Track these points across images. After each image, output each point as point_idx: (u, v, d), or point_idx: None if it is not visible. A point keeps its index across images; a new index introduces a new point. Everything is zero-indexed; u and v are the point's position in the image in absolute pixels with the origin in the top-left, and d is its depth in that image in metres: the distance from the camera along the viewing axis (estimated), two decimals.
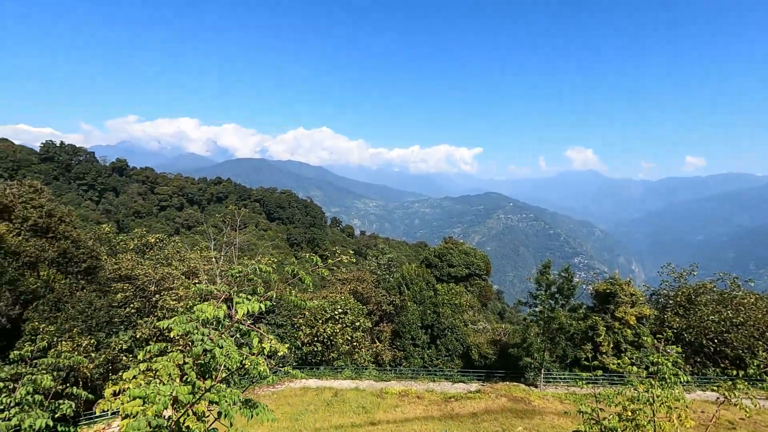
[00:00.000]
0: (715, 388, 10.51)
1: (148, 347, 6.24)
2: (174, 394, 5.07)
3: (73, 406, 7.10)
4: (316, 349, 38.52)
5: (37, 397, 6.61)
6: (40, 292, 29.91)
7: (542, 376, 35.38)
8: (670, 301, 40.89)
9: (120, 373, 28.08)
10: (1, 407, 6.20)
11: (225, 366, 5.51)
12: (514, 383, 35.74)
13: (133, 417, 4.90)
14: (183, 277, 38.56)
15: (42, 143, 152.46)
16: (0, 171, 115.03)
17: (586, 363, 35.66)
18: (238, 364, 5.54)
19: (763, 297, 39.87)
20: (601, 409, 9.07)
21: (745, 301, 38.30)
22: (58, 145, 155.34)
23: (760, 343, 35.47)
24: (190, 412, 5.33)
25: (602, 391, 9.49)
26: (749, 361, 23.39)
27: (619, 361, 10.84)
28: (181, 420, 5.28)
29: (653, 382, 9.04)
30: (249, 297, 6.03)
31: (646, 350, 34.69)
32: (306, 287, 6.90)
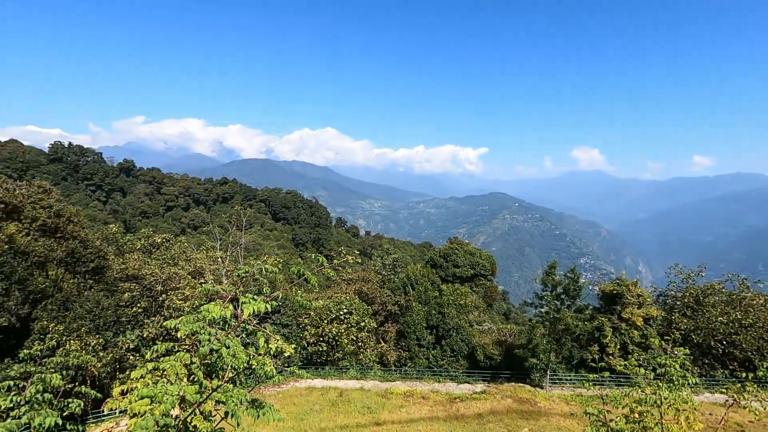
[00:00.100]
0: (723, 390, 10.41)
1: (155, 347, 6.28)
2: (181, 393, 5.10)
3: (82, 404, 7.17)
4: (321, 349, 38.61)
5: (47, 395, 6.69)
6: (48, 292, 30.23)
7: (548, 377, 35.20)
8: (678, 302, 40.53)
9: (127, 372, 28.37)
10: (12, 405, 6.27)
11: (232, 366, 5.54)
12: (520, 384, 35.59)
13: (141, 416, 4.94)
14: (189, 277, 38.82)
15: (51, 144, 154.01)
16: (10, 172, 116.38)
17: (593, 364, 35.42)
18: (245, 364, 5.57)
19: None
20: (607, 410, 9.01)
21: (754, 302, 37.88)
22: (66, 146, 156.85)
23: None
24: (197, 411, 5.36)
25: (609, 393, 9.43)
26: (758, 363, 23.11)
27: (626, 362, 10.77)
28: (189, 419, 5.31)
29: (661, 384, 8.96)
30: (255, 297, 6.06)
31: (653, 352, 34.41)
32: (311, 287, 6.92)
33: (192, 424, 5.34)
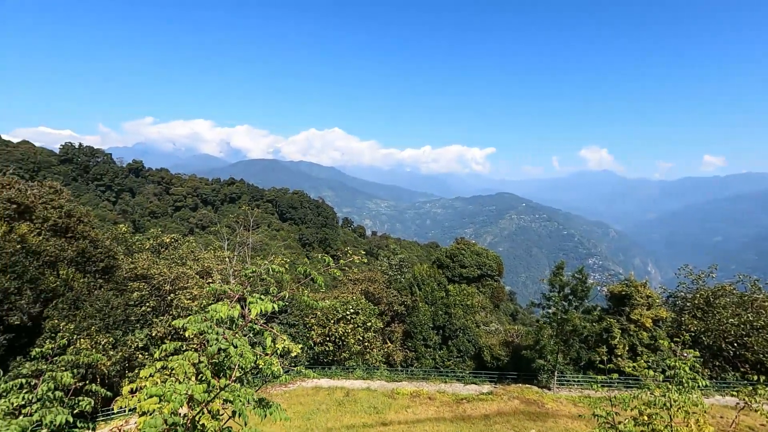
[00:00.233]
0: (734, 393, 10.28)
1: (164, 346, 6.34)
2: (189, 392, 5.15)
3: (92, 402, 7.25)
4: (327, 348, 38.70)
5: (58, 393, 6.77)
6: (59, 291, 30.63)
7: (555, 378, 34.97)
8: (688, 304, 40.06)
9: (137, 371, 28.64)
10: (24, 403, 6.36)
11: (239, 365, 5.58)
12: (527, 385, 35.40)
13: (150, 414, 5.00)
14: (197, 277, 39.12)
15: (61, 145, 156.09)
16: (22, 172, 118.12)
17: (601, 366, 35.13)
18: (252, 364, 5.60)
19: None
20: (616, 412, 8.93)
21: (767, 304, 37.33)
22: (76, 146, 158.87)
23: None
24: (205, 410, 5.41)
25: (617, 395, 9.35)
26: None
27: (634, 364, 10.66)
28: (197, 418, 5.36)
29: (670, 386, 8.86)
30: (262, 297, 6.10)
31: (662, 353, 34.05)
32: (318, 287, 6.94)
33: (200, 422, 5.38)
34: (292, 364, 34.19)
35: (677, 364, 9.15)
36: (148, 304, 33.26)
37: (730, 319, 36.11)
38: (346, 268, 51.78)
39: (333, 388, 34.40)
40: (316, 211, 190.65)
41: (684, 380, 8.88)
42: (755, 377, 10.55)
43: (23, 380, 6.68)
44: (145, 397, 5.13)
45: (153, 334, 32.18)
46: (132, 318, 32.29)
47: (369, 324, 39.84)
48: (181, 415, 5.22)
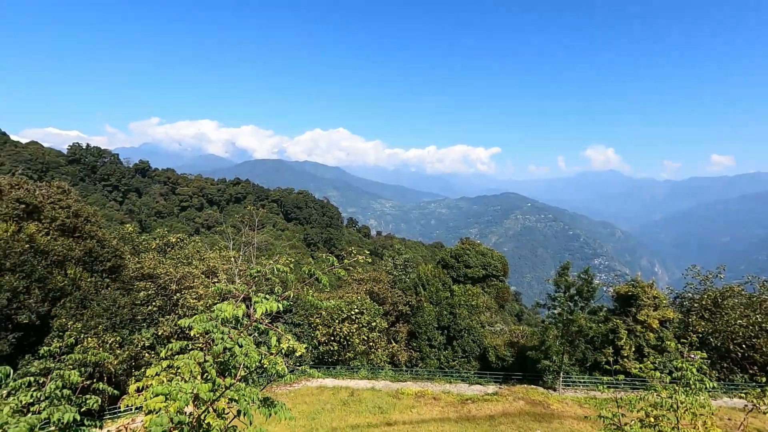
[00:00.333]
0: (742, 395, 10.17)
1: (170, 345, 6.38)
2: (195, 391, 5.18)
3: (99, 401, 7.30)
4: (332, 348, 38.76)
5: (66, 391, 6.83)
6: (67, 290, 30.94)
7: (561, 379, 34.77)
8: (696, 305, 39.67)
9: (143, 370, 28.88)
10: (32, 401, 6.43)
11: (244, 364, 5.60)
12: (532, 386, 35.24)
13: (156, 413, 5.04)
14: (203, 276, 39.32)
15: (69, 146, 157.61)
16: (30, 173, 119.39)
17: (607, 367, 34.90)
18: (257, 363, 5.62)
19: None
20: (622, 414, 8.87)
21: None
22: (84, 147, 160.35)
23: None
24: (210, 409, 5.44)
25: (624, 396, 9.28)
26: None
27: (641, 365, 10.58)
28: (202, 416, 5.39)
29: (677, 388, 8.78)
30: (267, 296, 6.12)
31: (669, 355, 33.77)
32: (323, 287, 6.95)
33: (206, 421, 5.42)
34: (297, 364, 34.30)
35: (684, 365, 9.07)
36: (154, 303, 33.49)
37: (739, 321, 35.72)
38: (351, 268, 51.85)
39: (338, 388, 34.44)
40: (321, 211, 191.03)
41: (691, 382, 8.81)
42: (764, 379, 10.44)
43: (32, 378, 6.75)
44: (152, 396, 5.17)
45: (159, 333, 32.40)
46: (138, 317, 32.53)
47: (374, 324, 39.86)
48: (187, 413, 5.25)
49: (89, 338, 28.90)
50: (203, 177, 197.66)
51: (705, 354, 9.98)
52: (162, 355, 6.35)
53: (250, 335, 6.13)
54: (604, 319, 35.56)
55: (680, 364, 9.17)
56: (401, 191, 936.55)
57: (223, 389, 5.39)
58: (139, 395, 6.05)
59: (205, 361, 5.78)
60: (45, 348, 7.95)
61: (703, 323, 37.15)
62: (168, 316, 33.55)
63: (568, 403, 31.54)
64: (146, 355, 31.21)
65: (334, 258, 7.35)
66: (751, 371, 34.69)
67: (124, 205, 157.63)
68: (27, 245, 29.42)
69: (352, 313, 39.40)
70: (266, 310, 5.86)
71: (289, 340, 6.18)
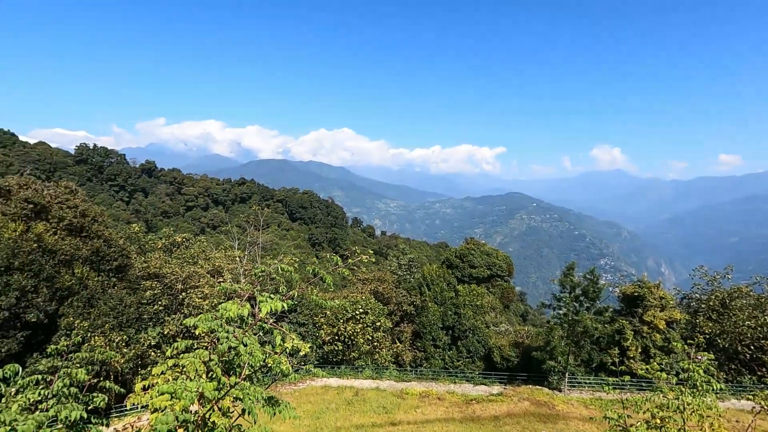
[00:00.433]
0: (751, 396, 10.07)
1: (176, 344, 6.41)
2: (200, 390, 5.21)
3: (106, 399, 7.36)
4: (337, 348, 38.81)
5: (73, 389, 6.88)
6: (74, 289, 31.23)
7: (566, 380, 34.61)
8: (703, 305, 39.32)
9: (149, 369, 29.07)
10: (40, 399, 6.49)
11: (249, 363, 5.63)
12: (537, 387, 35.10)
13: (162, 411, 5.07)
14: (208, 276, 39.53)
15: (76, 146, 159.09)
16: (38, 173, 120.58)
17: (613, 368, 34.68)
18: (262, 362, 5.64)
19: None
20: (628, 415, 8.81)
21: None
22: (91, 147, 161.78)
23: None
24: (215, 407, 5.46)
25: (630, 397, 9.22)
26: None
27: (647, 366, 10.50)
28: (207, 415, 5.42)
29: (684, 389, 8.71)
30: (272, 296, 6.14)
31: (676, 356, 33.49)
32: (327, 287, 6.97)
33: (210, 420, 5.44)
34: (302, 363, 34.38)
35: (691, 366, 8.99)
36: (160, 302, 33.71)
37: (747, 322, 35.36)
38: (355, 268, 51.89)
39: (342, 388, 34.48)
40: (326, 211, 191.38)
41: (698, 383, 8.72)
42: None
43: (39, 376, 6.81)
44: (157, 394, 5.20)
45: (165, 332, 32.60)
46: (145, 316, 32.76)
47: (378, 324, 39.87)
48: (192, 412, 5.28)
49: (96, 337, 29.16)
50: (209, 177, 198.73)
51: (712, 355, 9.89)
52: (168, 353, 6.39)
53: (254, 334, 6.16)
54: (610, 319, 35.34)
55: (687, 366, 9.09)
56: (406, 191, 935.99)
57: (228, 388, 5.41)
58: (145, 394, 6.10)
59: (211, 360, 5.81)
60: (52, 346, 8.02)
61: (710, 324, 36.82)
62: (174, 315, 33.76)
63: (574, 404, 31.38)
64: (152, 353, 31.42)
65: (339, 258, 7.36)
66: (759, 373, 34.33)
67: (130, 204, 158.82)
68: (35, 245, 29.73)
69: (357, 312, 39.43)
70: (271, 309, 5.88)
71: (293, 339, 6.20)
